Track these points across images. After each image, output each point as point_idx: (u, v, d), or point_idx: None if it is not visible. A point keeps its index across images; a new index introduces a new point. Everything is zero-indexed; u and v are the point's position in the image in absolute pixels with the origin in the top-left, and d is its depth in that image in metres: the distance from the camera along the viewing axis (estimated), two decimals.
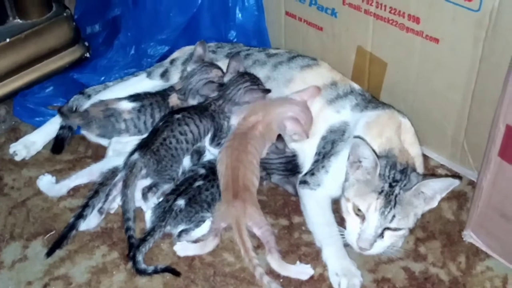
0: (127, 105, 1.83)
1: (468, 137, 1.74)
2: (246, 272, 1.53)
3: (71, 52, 2.22)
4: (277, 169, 1.73)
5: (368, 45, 1.84)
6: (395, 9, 1.68)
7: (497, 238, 1.55)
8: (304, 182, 1.68)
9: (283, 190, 1.77)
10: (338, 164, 1.62)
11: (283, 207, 1.73)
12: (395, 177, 1.49)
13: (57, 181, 1.77)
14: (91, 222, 1.63)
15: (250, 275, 1.51)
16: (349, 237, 1.51)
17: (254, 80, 1.82)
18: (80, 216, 1.59)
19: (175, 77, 1.98)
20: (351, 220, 1.51)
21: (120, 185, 1.63)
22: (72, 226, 1.58)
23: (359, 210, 1.48)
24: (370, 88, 1.90)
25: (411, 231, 1.54)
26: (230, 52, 2.00)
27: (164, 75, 2.00)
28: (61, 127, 1.90)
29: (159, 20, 2.11)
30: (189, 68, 1.90)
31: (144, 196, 1.64)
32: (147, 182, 1.65)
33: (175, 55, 2.06)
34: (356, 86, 1.81)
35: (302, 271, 1.53)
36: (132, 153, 1.66)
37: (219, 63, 1.94)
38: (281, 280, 1.51)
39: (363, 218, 1.48)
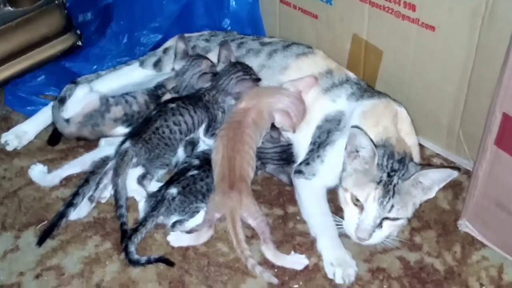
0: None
1: (463, 127, 1.74)
2: (240, 262, 1.52)
3: (63, 40, 2.20)
4: (271, 159, 1.73)
5: (364, 33, 1.82)
6: None
7: (492, 227, 1.54)
8: (299, 172, 1.67)
9: (277, 180, 1.76)
10: (333, 154, 1.61)
11: (277, 196, 1.73)
12: (393, 166, 1.48)
13: (49, 171, 1.75)
14: (81, 210, 1.62)
15: (244, 265, 1.51)
16: (348, 227, 1.51)
17: (246, 70, 1.81)
18: (70, 204, 1.59)
19: (168, 67, 1.96)
20: (350, 210, 1.50)
21: (111, 173, 1.62)
22: (62, 215, 1.57)
23: (357, 200, 1.48)
24: (365, 77, 1.89)
25: (409, 220, 1.53)
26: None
27: (157, 64, 1.98)
28: None
29: (152, 8, 2.09)
30: (177, 66, 1.88)
31: (140, 184, 1.63)
32: (139, 171, 1.64)
33: (168, 43, 2.04)
34: (351, 75, 1.79)
35: (296, 261, 1.52)
36: (123, 142, 1.65)
37: (213, 52, 1.92)
38: (276, 270, 1.51)
39: (361, 208, 1.47)
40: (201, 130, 1.76)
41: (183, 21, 2.12)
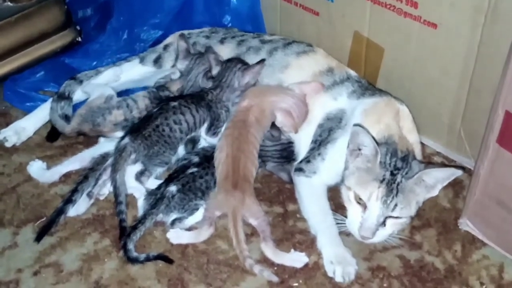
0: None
1: (465, 125, 1.73)
2: (240, 260, 1.51)
3: (62, 36, 2.19)
4: (272, 157, 1.72)
5: (365, 30, 1.81)
6: None
7: (493, 226, 1.54)
8: (299, 170, 1.66)
9: (277, 178, 1.75)
10: (334, 152, 1.61)
11: (277, 194, 1.72)
12: (396, 164, 1.47)
13: (48, 167, 1.75)
14: (80, 207, 1.62)
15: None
16: (351, 226, 1.50)
17: (243, 62, 1.82)
18: (69, 201, 1.58)
19: (168, 64, 1.95)
20: (353, 208, 1.50)
21: (110, 170, 1.61)
22: (61, 211, 1.57)
23: (360, 198, 1.47)
24: (366, 74, 1.88)
25: (412, 218, 1.53)
26: (225, 38, 1.97)
27: (157, 61, 1.97)
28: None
29: (152, 3, 2.08)
30: (180, 66, 1.87)
31: (138, 180, 1.63)
32: (137, 168, 1.63)
33: (168, 40, 2.03)
34: (352, 73, 1.79)
35: (296, 259, 1.51)
36: (123, 137, 1.64)
37: (213, 49, 1.90)
38: (275, 268, 1.50)
39: (364, 206, 1.47)
40: (203, 129, 1.75)
41: (184, 17, 2.11)
